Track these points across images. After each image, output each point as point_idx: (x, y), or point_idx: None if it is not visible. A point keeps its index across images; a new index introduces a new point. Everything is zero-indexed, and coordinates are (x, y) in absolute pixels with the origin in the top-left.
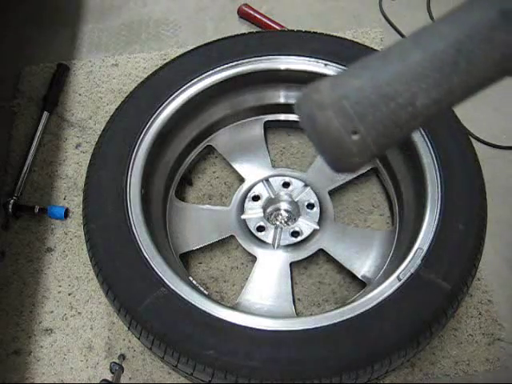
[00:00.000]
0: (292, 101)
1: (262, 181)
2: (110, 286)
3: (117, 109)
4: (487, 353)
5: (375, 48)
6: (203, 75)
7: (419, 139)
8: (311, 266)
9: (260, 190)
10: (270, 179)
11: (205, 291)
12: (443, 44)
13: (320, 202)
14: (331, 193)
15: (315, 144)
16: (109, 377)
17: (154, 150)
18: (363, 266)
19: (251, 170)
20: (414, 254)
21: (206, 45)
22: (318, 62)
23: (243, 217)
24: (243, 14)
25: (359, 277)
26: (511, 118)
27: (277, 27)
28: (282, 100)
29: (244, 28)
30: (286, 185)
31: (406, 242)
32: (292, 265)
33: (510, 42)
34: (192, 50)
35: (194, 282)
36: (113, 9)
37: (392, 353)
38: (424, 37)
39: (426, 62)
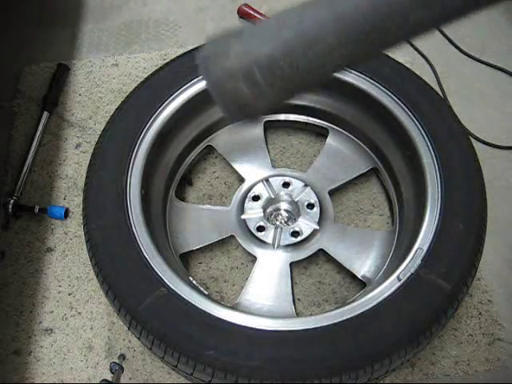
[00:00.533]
0: (292, 101)
1: (261, 181)
2: (110, 285)
3: (117, 109)
4: (487, 353)
5: None
6: None
7: (419, 139)
8: (311, 266)
9: (260, 190)
10: (270, 179)
11: (205, 291)
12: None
13: (320, 202)
14: (331, 193)
15: (220, 104)
16: (109, 377)
17: (154, 150)
18: (363, 266)
19: (251, 170)
20: (414, 254)
21: None
22: None
23: (243, 217)
24: (243, 14)
25: (359, 277)
26: (511, 118)
27: None
28: None
29: None
30: (285, 185)
31: (405, 242)
32: (292, 265)
33: None
34: (192, 49)
35: (194, 281)
36: (113, 9)
37: (392, 353)
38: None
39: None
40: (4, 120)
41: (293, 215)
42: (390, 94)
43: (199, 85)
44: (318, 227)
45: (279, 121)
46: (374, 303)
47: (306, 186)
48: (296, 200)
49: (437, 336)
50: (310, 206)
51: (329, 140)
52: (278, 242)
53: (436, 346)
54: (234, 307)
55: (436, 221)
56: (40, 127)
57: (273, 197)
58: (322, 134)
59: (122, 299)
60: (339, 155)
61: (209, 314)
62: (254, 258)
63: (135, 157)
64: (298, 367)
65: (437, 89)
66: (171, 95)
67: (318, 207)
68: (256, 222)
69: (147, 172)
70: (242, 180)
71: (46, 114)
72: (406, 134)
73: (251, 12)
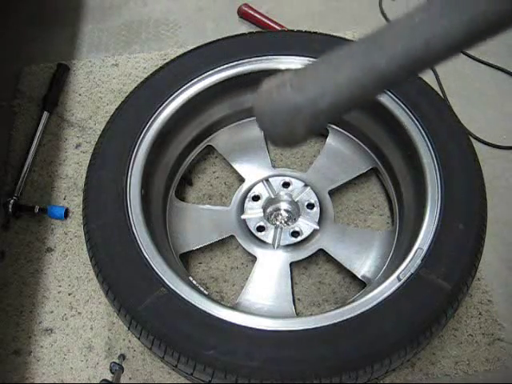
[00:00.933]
0: None
1: (262, 181)
2: (110, 285)
3: (117, 109)
4: (487, 353)
5: None
6: (203, 75)
7: (419, 139)
8: (311, 266)
9: (260, 190)
10: (270, 179)
11: (205, 291)
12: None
13: (320, 202)
14: (331, 193)
15: (268, 134)
16: (109, 377)
17: (154, 150)
18: (363, 266)
19: (251, 170)
20: (414, 254)
21: (205, 45)
22: None
23: (243, 217)
24: (243, 14)
25: (359, 277)
26: (511, 118)
27: (277, 27)
28: None
29: (244, 28)
30: (285, 185)
31: (405, 242)
32: (292, 265)
33: None
34: (192, 49)
35: (194, 281)
36: (113, 9)
37: (392, 353)
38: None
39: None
40: (4, 120)
41: (293, 215)
42: (390, 94)
43: (199, 85)
44: (317, 227)
45: None
46: (374, 303)
47: (305, 185)
48: (296, 200)
49: (437, 336)
50: (310, 205)
51: (329, 140)
52: (277, 242)
53: (436, 346)
54: (234, 307)
55: (436, 221)
56: (40, 127)
57: (273, 197)
58: (322, 133)
59: (121, 299)
60: (339, 155)
61: (209, 314)
62: (253, 258)
63: (135, 157)
64: (298, 367)
65: (437, 89)
66: (171, 95)
67: (318, 207)
68: (256, 222)
69: (147, 172)
70: (242, 180)
71: (46, 114)
72: (405, 134)
73: (251, 12)
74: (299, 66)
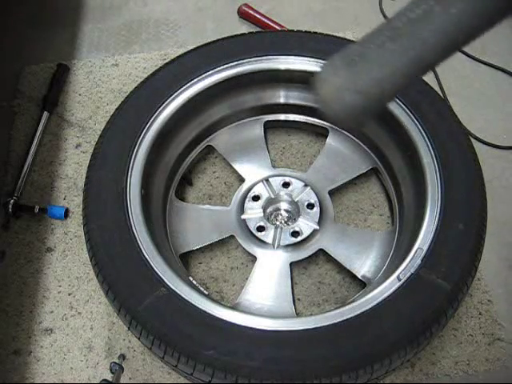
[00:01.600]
0: (292, 101)
1: (261, 181)
2: (110, 285)
3: (117, 109)
4: (487, 353)
5: None
6: (203, 75)
7: (419, 139)
8: (311, 266)
9: (260, 190)
10: (270, 179)
11: (205, 291)
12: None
13: (320, 202)
14: (331, 193)
15: (331, 113)
16: (109, 377)
17: (154, 150)
18: (363, 266)
19: (251, 170)
20: (414, 254)
21: (205, 45)
22: (317, 62)
23: (243, 217)
24: (243, 14)
25: (359, 277)
26: (511, 118)
27: (277, 27)
28: (281, 100)
29: (244, 28)
30: (285, 185)
31: (405, 242)
32: (292, 265)
33: None
34: (192, 50)
35: (194, 281)
36: (113, 9)
37: (392, 353)
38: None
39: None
40: (4, 120)
41: (293, 215)
42: None
43: (199, 85)
44: (317, 227)
45: (279, 121)
46: (374, 303)
47: (306, 186)
48: (296, 200)
49: (437, 336)
50: (310, 205)
51: (329, 140)
52: (278, 242)
53: (436, 346)
54: (234, 307)
55: (436, 221)
56: (40, 127)
57: (273, 197)
58: (322, 133)
59: (121, 299)
60: (339, 155)
61: (209, 313)
62: (254, 258)
63: (135, 157)
64: (298, 367)
65: (437, 89)
66: (171, 95)
67: (318, 207)
68: (256, 222)
69: (147, 172)
70: (242, 180)
71: (46, 114)
72: (405, 134)
73: (251, 12)
74: (298, 67)
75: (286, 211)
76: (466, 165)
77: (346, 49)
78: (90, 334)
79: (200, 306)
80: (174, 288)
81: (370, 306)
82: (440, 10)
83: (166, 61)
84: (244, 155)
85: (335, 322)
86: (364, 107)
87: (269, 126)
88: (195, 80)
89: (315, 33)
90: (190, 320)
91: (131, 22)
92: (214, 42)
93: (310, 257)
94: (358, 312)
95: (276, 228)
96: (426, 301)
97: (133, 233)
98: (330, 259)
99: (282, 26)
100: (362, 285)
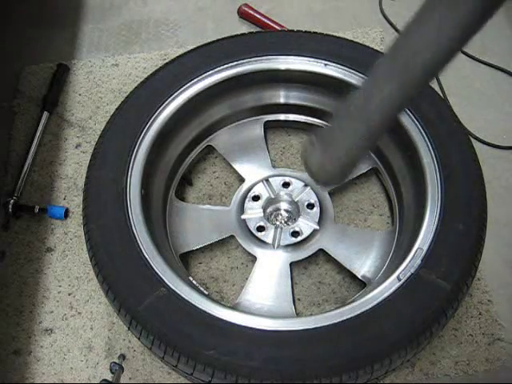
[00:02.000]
0: (292, 101)
1: (261, 181)
2: (110, 285)
3: (117, 109)
4: (487, 353)
5: (375, 48)
6: (203, 75)
7: (419, 139)
8: (311, 266)
9: (260, 190)
10: (270, 179)
11: (205, 291)
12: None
13: (320, 202)
14: (331, 193)
15: (319, 179)
16: (109, 377)
17: (154, 150)
18: (363, 266)
19: (251, 170)
20: (414, 254)
21: (205, 45)
22: (317, 62)
23: (243, 217)
24: (243, 14)
25: (359, 277)
26: (511, 118)
27: (277, 27)
28: (281, 100)
29: (244, 28)
30: (285, 185)
31: (405, 242)
32: (292, 265)
33: None
34: (192, 50)
35: (194, 281)
36: (113, 9)
37: (392, 353)
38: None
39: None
40: (4, 120)
41: (293, 215)
42: None
43: (199, 85)
44: (317, 227)
45: (279, 121)
46: (374, 303)
47: (306, 185)
48: (296, 200)
49: (437, 336)
50: (310, 206)
51: None
52: (277, 241)
53: (436, 346)
54: (234, 307)
55: (436, 221)
56: (40, 127)
57: (273, 197)
58: None
59: (121, 299)
60: None
61: (209, 313)
62: (254, 258)
63: (135, 157)
64: (298, 367)
65: (437, 89)
66: (171, 95)
67: (318, 207)
68: (256, 222)
69: (147, 172)
70: (242, 180)
71: (46, 114)
72: (405, 134)
73: (251, 12)
74: (298, 67)
75: (286, 211)
76: (466, 165)
77: (321, 131)
78: (90, 334)
79: (200, 306)
80: (174, 288)
81: (370, 306)
82: (376, 93)
83: (166, 61)
84: (244, 155)
85: (335, 322)
86: (342, 170)
87: (269, 126)
88: (195, 80)
89: (315, 33)
90: (190, 320)
91: (131, 21)
92: (214, 41)
93: (309, 257)
94: (358, 312)
95: (276, 228)
96: (426, 301)
97: (133, 233)
98: (330, 259)
99: (282, 26)
100: (361, 285)
